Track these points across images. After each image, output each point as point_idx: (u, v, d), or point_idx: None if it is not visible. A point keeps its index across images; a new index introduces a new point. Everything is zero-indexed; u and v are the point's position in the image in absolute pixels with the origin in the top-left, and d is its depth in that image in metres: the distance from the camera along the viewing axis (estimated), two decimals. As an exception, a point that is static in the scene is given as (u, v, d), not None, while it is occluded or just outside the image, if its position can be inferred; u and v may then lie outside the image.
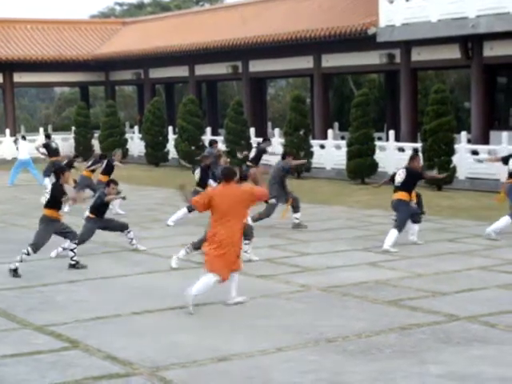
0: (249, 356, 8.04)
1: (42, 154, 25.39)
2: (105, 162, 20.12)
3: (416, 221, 14.42)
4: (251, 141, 30.14)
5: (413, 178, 14.33)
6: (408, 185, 14.24)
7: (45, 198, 12.86)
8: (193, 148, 31.73)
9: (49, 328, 9.25)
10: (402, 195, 14.20)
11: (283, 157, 17.36)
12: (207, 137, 32.25)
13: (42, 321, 9.56)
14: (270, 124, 37.35)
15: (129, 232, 14.28)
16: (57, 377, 7.55)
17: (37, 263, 13.25)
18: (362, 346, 8.30)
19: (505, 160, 15.99)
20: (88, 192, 18.68)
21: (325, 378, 7.35)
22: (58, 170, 13.43)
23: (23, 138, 28.00)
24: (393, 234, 13.87)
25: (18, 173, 27.09)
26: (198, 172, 18.14)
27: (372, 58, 28.38)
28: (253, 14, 35.03)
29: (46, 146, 25.03)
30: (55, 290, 11.26)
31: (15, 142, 27.87)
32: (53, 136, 27.74)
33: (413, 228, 14.44)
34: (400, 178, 14.27)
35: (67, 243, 13.30)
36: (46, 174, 23.77)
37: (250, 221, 13.07)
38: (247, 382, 7.35)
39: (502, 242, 14.34)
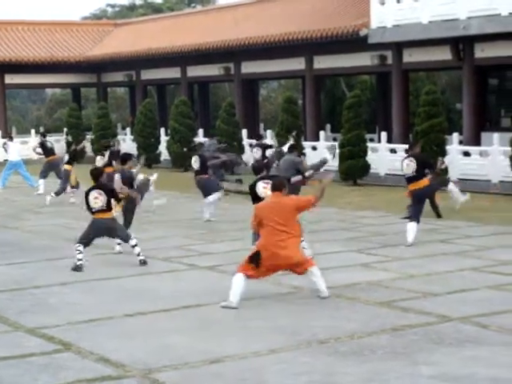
0: (241, 358, 8.04)
1: (38, 153, 25.17)
2: (107, 153, 20.02)
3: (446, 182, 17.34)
4: (243, 142, 30.16)
5: (423, 164, 14.71)
6: (422, 172, 14.63)
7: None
8: (185, 149, 31.72)
9: (41, 330, 9.22)
10: (423, 182, 14.58)
11: (290, 150, 17.22)
12: (199, 138, 32.24)
13: (33, 323, 9.54)
14: (262, 125, 37.36)
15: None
16: (49, 380, 7.54)
17: (29, 265, 13.23)
18: (354, 347, 8.31)
19: None
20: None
21: (317, 380, 7.35)
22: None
23: (10, 138, 27.70)
24: (412, 227, 14.26)
25: (9, 175, 26.77)
26: (196, 160, 17.87)
27: (364, 60, 28.42)
28: (245, 15, 35.04)
29: (42, 144, 24.81)
30: (47, 292, 11.24)
31: (4, 145, 27.59)
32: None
33: (452, 188, 17.46)
34: (411, 167, 14.57)
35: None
36: (42, 175, 23.66)
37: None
38: (240, 383, 7.34)
39: (494, 242, 14.38)
